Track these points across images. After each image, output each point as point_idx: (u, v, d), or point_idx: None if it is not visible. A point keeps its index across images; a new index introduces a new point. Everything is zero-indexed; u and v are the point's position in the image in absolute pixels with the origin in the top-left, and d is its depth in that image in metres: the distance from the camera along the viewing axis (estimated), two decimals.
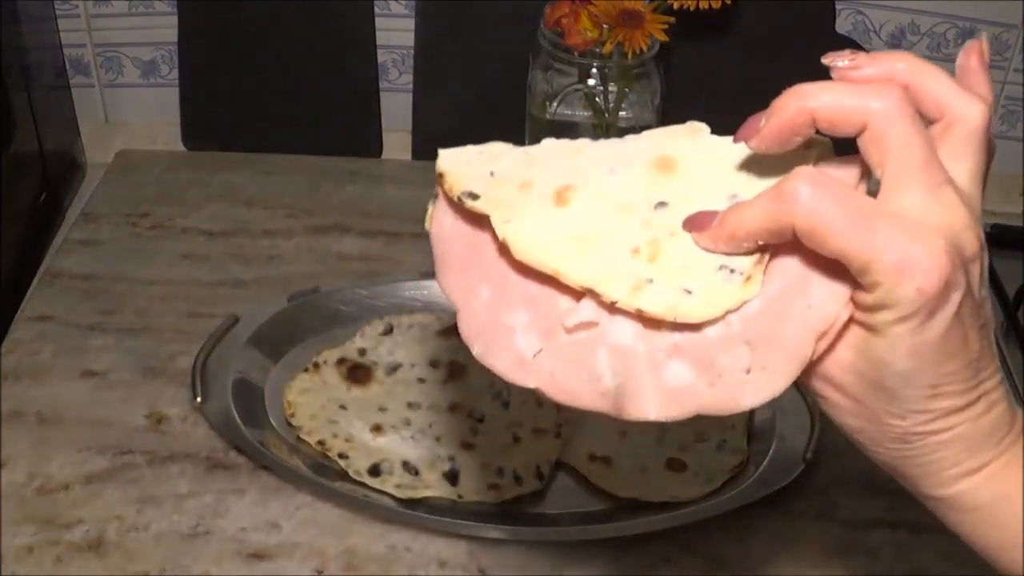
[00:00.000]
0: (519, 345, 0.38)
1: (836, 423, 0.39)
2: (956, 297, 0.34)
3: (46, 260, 0.96)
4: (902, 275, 0.33)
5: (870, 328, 0.35)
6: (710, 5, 0.86)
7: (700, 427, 0.79)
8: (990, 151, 0.38)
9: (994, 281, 0.98)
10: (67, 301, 0.90)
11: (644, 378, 0.36)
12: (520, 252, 0.38)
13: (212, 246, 0.97)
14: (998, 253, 1.02)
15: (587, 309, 0.37)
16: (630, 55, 0.88)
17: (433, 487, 0.74)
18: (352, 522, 0.73)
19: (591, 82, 0.92)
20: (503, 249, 0.38)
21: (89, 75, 1.10)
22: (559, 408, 0.80)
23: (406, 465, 0.75)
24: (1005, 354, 0.91)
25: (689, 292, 0.36)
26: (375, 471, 0.75)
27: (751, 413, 0.81)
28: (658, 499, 0.74)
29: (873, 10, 1.05)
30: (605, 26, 0.87)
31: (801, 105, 0.35)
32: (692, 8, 0.86)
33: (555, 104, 0.93)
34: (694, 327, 0.36)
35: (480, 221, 0.39)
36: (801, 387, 0.38)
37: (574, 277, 0.37)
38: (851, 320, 0.36)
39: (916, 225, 0.34)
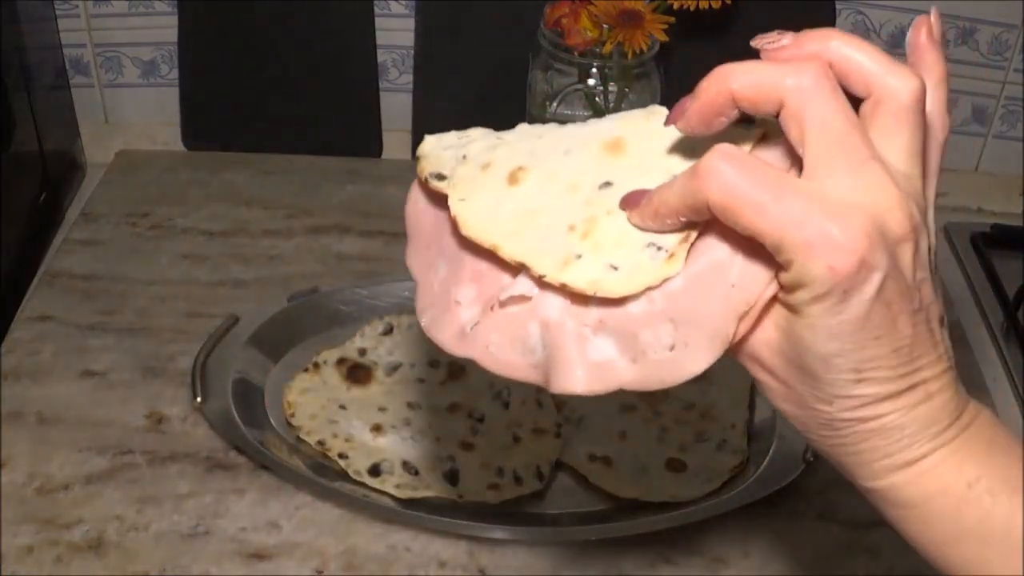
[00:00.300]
0: (462, 318, 0.39)
1: (775, 408, 0.38)
2: (876, 278, 0.33)
3: (46, 260, 0.96)
4: (813, 252, 0.32)
5: (791, 308, 0.35)
6: (710, 5, 0.86)
7: (700, 427, 0.79)
8: (933, 128, 0.37)
9: (994, 281, 0.98)
10: (67, 301, 0.90)
11: (571, 352, 0.37)
12: (466, 228, 0.39)
13: (212, 246, 0.97)
14: (998, 253, 1.02)
15: (522, 284, 0.38)
16: (630, 55, 0.88)
17: (433, 487, 0.74)
18: (352, 522, 0.73)
19: (591, 82, 0.92)
20: (456, 226, 0.39)
21: (89, 75, 1.10)
22: (559, 408, 0.80)
23: (406, 465, 0.75)
24: (1005, 354, 0.91)
25: (615, 268, 0.36)
26: (375, 471, 0.75)
27: (751, 413, 0.81)
28: (658, 499, 0.74)
29: (873, 10, 1.05)
30: (605, 26, 0.87)
31: (721, 86, 0.34)
32: (692, 8, 0.86)
33: (555, 104, 0.93)
34: (617, 303, 0.36)
35: (446, 201, 0.40)
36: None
37: (509, 252, 0.38)
38: (776, 299, 0.36)
39: (833, 202, 0.33)
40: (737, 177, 0.33)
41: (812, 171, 0.34)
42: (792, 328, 0.35)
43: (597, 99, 0.93)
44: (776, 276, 0.35)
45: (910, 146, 0.35)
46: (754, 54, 0.36)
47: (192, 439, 0.78)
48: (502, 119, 1.04)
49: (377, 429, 0.78)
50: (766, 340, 0.36)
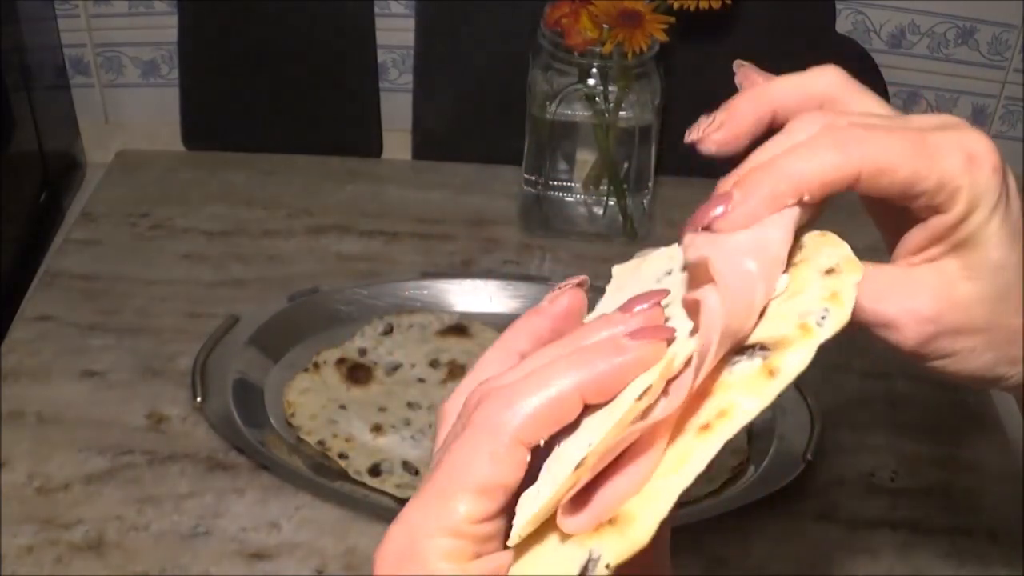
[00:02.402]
0: None
1: (963, 377, 0.38)
2: (1009, 171, 0.35)
3: (46, 260, 0.96)
4: (975, 166, 0.33)
5: (964, 246, 0.35)
6: (710, 5, 0.86)
7: None
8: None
9: None
10: (67, 301, 0.90)
11: None
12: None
13: (212, 246, 0.97)
14: None
15: None
16: (630, 55, 0.88)
17: None
18: (352, 522, 0.73)
19: (591, 82, 0.92)
20: None
21: (89, 75, 1.10)
22: None
23: (406, 465, 0.75)
24: None
25: None
26: (375, 471, 0.75)
27: None
28: None
29: (873, 10, 1.05)
30: (605, 26, 0.87)
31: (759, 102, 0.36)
32: (692, 8, 0.86)
33: (555, 104, 0.93)
34: None
35: None
36: (925, 366, 0.38)
37: None
38: (935, 260, 0.36)
39: (943, 122, 0.34)
40: (884, 137, 0.33)
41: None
42: (977, 264, 0.35)
43: (597, 99, 0.93)
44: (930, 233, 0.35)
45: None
46: (752, 59, 0.37)
47: (192, 439, 0.78)
48: (502, 119, 1.05)
49: (377, 429, 0.78)
50: (960, 303, 0.36)
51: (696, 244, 0.33)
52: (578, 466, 0.30)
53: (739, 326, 0.32)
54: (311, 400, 0.80)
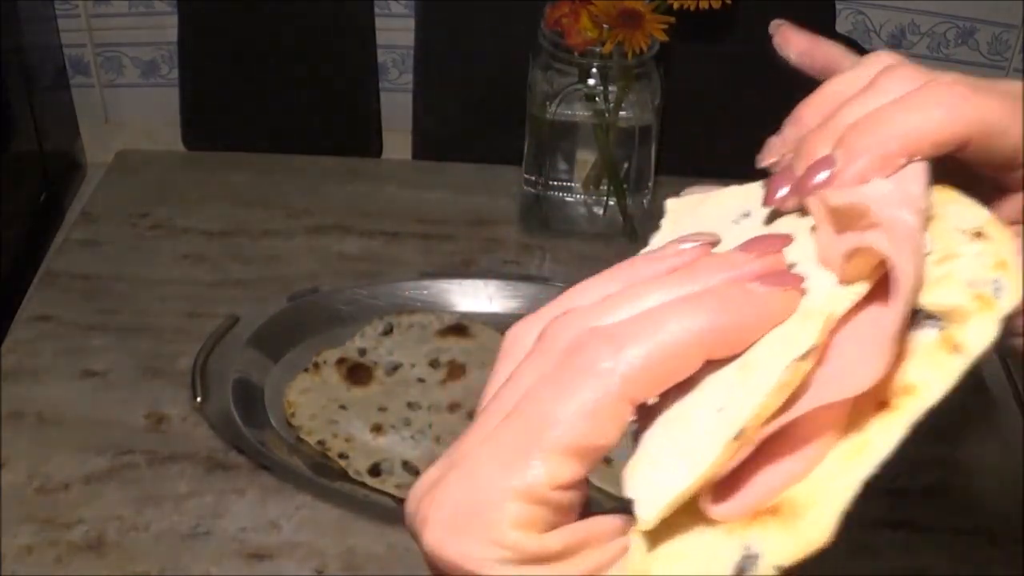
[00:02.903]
0: None
1: None
2: None
3: (46, 260, 0.96)
4: None
5: None
6: (710, 5, 0.86)
7: None
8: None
9: None
10: (67, 301, 0.90)
11: None
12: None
13: (212, 246, 0.97)
14: None
15: None
16: (630, 55, 0.88)
17: None
18: (352, 522, 0.73)
19: (591, 82, 0.92)
20: None
21: (89, 75, 1.10)
22: None
23: (406, 465, 0.75)
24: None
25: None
26: (375, 471, 0.75)
27: None
28: None
29: (873, 10, 1.05)
30: (605, 26, 0.87)
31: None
32: (692, 8, 0.86)
33: (555, 104, 0.93)
34: None
35: None
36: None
37: None
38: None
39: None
40: (988, 95, 0.29)
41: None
42: None
43: (597, 99, 0.93)
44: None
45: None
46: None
47: (192, 439, 0.78)
48: (502, 119, 1.05)
49: (377, 429, 0.78)
50: None
51: (832, 192, 0.29)
52: (737, 436, 0.25)
53: (919, 284, 0.27)
54: (311, 400, 0.80)
